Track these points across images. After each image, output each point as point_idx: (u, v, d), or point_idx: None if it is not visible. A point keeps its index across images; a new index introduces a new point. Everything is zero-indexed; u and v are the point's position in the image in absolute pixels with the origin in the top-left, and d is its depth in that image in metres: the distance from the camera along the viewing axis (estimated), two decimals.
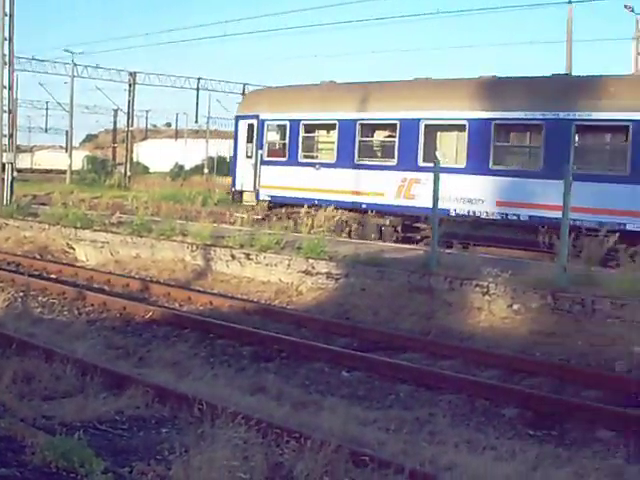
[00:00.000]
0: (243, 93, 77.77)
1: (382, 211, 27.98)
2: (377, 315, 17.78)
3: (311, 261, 20.55)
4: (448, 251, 20.38)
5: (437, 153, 25.87)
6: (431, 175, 20.27)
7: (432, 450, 8.96)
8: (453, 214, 25.49)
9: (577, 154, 23.82)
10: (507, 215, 24.94)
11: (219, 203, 43.81)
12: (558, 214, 21.15)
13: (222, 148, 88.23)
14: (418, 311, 17.62)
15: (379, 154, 30.13)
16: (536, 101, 24.57)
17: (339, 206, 28.19)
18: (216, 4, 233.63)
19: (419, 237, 25.70)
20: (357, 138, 28.94)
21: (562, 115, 23.63)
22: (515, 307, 17.00)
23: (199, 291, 20.60)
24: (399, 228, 27.66)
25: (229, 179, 36.98)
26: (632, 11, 57.52)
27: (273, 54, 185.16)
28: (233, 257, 22.25)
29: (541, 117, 24.16)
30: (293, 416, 10.00)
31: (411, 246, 24.16)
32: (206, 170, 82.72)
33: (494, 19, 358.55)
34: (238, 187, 33.21)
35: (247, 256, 21.97)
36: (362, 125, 28.94)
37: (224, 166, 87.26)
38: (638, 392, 12.74)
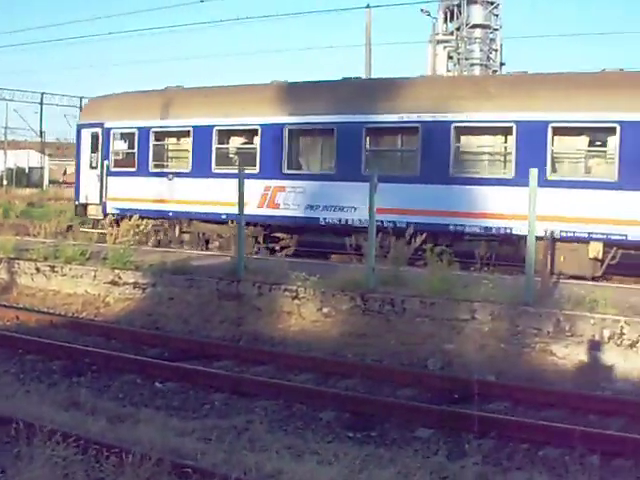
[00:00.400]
0: (41, 102, 76.00)
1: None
2: (187, 324, 17.50)
3: (117, 271, 20.10)
4: (255, 257, 20.24)
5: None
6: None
7: (254, 458, 8.70)
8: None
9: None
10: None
11: (20, 215, 42.33)
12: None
13: (21, 159, 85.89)
14: (228, 318, 17.46)
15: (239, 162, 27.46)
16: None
17: (195, 218, 27.04)
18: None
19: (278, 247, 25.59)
20: (214, 145, 27.00)
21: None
22: (325, 310, 17.02)
23: (4, 306, 19.74)
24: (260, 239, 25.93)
25: (29, 190, 35.34)
26: (429, 15, 59.32)
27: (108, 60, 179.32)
28: (38, 270, 21.57)
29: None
30: (111, 430, 9.62)
31: (219, 253, 23.93)
32: (5, 182, 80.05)
33: (294, 24, 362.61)
34: (82, 200, 30.59)
35: (52, 268, 21.34)
36: (219, 131, 27.04)
37: (24, 177, 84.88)
38: (452, 389, 12.87)
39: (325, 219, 24.18)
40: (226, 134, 27.46)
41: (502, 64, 65.84)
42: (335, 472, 8.38)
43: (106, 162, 29.54)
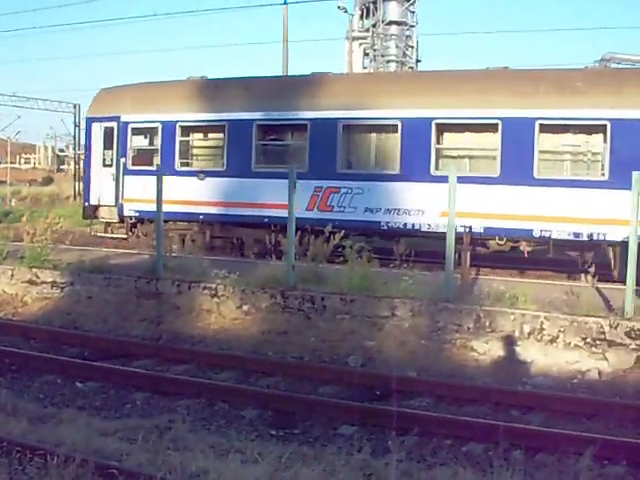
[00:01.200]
0: None
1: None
2: (106, 323, 17.33)
3: (35, 270, 19.78)
4: (174, 254, 20.06)
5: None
6: None
7: (179, 458, 8.65)
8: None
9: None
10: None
11: None
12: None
13: None
14: (148, 317, 17.33)
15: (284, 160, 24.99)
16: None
17: (230, 222, 24.91)
18: None
19: None
20: (254, 141, 24.56)
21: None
22: (245, 308, 16.99)
23: None
24: None
25: None
26: (345, 12, 59.40)
27: None
28: None
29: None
30: (33, 432, 9.48)
31: (136, 251, 23.63)
32: None
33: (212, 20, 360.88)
34: (93, 201, 27.57)
35: None
36: (260, 126, 24.59)
37: None
38: (374, 386, 12.90)
39: (388, 223, 22.42)
40: (268, 129, 25.19)
41: (418, 61, 66.27)
42: (260, 470, 8.36)
43: (123, 159, 26.88)
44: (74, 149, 73.79)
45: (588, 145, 21.63)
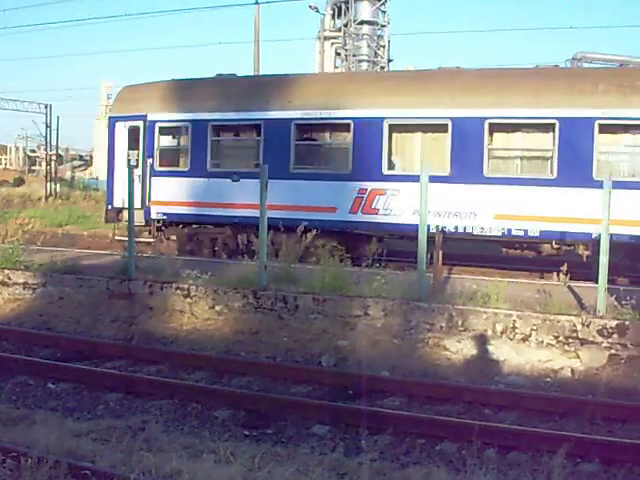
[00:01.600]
0: None
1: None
2: (79, 324, 17.26)
3: (7, 272, 19.64)
4: (147, 254, 20.02)
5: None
6: None
7: (152, 458, 8.63)
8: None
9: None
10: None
11: None
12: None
13: None
14: (120, 317, 17.27)
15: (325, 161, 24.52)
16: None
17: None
18: None
19: None
20: (292, 142, 23.41)
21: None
22: (217, 308, 16.95)
23: None
24: None
25: None
26: (317, 11, 59.38)
27: None
28: None
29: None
30: (6, 433, 9.44)
31: (108, 251, 23.54)
32: None
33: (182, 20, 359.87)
34: (117, 204, 25.96)
35: None
36: (298, 126, 23.58)
37: None
38: (347, 385, 12.92)
39: (437, 226, 20.90)
40: (308, 129, 24.23)
41: (390, 60, 66.45)
42: (234, 471, 8.38)
43: (150, 160, 25.60)
44: (46, 150, 73.57)
45: None
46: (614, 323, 13.87)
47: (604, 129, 20.20)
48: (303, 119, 23.39)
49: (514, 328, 14.37)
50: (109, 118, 27.89)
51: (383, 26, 66.70)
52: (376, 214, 22.04)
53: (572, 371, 13.73)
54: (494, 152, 21.79)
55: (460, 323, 14.77)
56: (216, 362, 14.47)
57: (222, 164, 25.16)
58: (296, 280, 17.07)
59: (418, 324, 15.11)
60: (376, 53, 65.71)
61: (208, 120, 24.70)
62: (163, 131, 25.81)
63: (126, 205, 23.05)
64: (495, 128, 21.55)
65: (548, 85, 21.25)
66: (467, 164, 21.21)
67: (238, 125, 25.31)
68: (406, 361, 14.34)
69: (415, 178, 17.13)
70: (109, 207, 26.68)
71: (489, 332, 14.52)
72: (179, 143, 26.35)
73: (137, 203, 24.00)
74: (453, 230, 21.31)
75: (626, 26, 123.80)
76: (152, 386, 12.79)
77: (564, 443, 9.13)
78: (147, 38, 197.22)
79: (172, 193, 24.86)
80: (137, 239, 23.87)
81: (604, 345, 13.84)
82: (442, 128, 21.76)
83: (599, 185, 17.55)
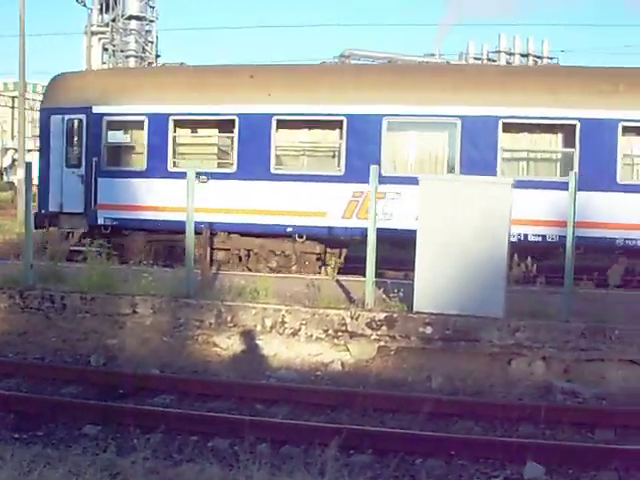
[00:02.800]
0: None
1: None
2: None
3: None
4: None
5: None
6: None
7: None
8: None
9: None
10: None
11: None
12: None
13: None
14: None
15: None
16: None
17: (240, 231, 21.69)
18: None
19: None
20: (273, 139, 21.52)
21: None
22: None
23: None
24: None
25: None
26: (84, 5, 58.02)
27: None
28: None
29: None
30: None
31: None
32: None
33: None
34: (53, 208, 23.15)
35: None
36: (279, 121, 21.54)
37: None
38: (117, 384, 12.88)
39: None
40: (290, 124, 21.97)
41: (158, 56, 66.20)
42: (4, 475, 8.19)
43: (95, 159, 22.65)
44: None
45: None
46: (382, 316, 14.27)
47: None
48: (284, 114, 21.61)
49: (283, 323, 14.63)
50: (42, 110, 24.97)
51: (152, 21, 66.39)
52: None
53: (342, 364, 14.12)
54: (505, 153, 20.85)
55: (229, 319, 14.92)
56: None
57: (187, 164, 22.10)
58: (64, 279, 16.82)
59: (187, 321, 15.16)
60: (144, 49, 65.28)
61: (169, 114, 22.28)
62: (112, 125, 23.17)
63: (65, 209, 22.94)
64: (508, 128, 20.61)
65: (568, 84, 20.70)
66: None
67: (207, 121, 22.82)
68: (176, 358, 14.40)
69: None
70: (42, 211, 23.27)
71: (258, 327, 14.73)
72: (132, 139, 23.92)
73: (77, 207, 22.81)
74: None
75: (391, 25, 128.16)
76: None
77: (336, 435, 9.31)
78: None
79: (123, 196, 22.36)
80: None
81: (373, 337, 14.23)
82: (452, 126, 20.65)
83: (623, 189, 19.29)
